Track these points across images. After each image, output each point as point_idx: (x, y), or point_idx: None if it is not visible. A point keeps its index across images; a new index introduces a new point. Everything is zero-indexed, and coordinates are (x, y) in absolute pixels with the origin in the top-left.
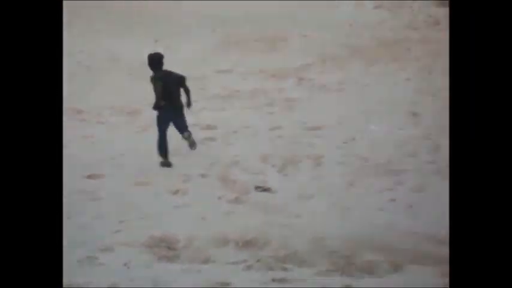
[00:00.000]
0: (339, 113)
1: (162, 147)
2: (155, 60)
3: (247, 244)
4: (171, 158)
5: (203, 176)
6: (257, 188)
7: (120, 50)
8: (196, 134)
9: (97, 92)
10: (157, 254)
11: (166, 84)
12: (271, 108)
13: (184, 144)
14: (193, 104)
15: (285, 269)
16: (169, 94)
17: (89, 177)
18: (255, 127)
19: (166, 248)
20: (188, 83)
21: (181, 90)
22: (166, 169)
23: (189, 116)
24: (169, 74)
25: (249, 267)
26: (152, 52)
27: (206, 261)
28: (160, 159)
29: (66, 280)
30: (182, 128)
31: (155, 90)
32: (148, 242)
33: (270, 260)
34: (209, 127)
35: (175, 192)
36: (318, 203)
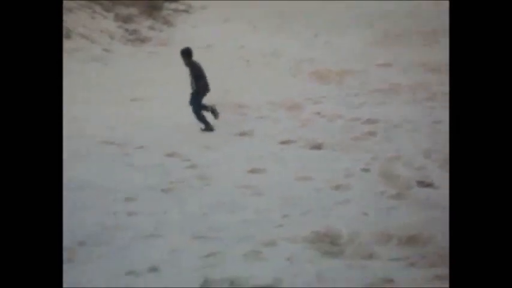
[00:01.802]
0: None
1: (203, 118)
2: (189, 53)
3: (410, 240)
4: (336, 152)
5: (365, 170)
6: (419, 183)
7: (279, 45)
8: (358, 128)
9: (257, 87)
10: (320, 249)
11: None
12: (432, 103)
13: (350, 139)
14: (354, 98)
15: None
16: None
17: (251, 171)
18: (416, 122)
19: (329, 244)
20: (348, 77)
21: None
22: (327, 163)
23: (351, 111)
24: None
25: (412, 264)
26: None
27: (369, 257)
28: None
29: (229, 274)
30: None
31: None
32: (311, 237)
33: (434, 256)
34: (370, 121)
35: (337, 187)
36: None
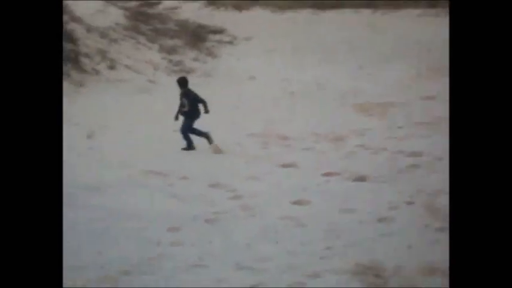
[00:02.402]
0: None
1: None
2: (184, 82)
3: None
4: (380, 184)
5: (409, 203)
6: None
7: (323, 77)
8: (402, 160)
9: (301, 119)
10: (364, 282)
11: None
12: None
13: (394, 172)
14: (398, 131)
15: None
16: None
17: (295, 203)
18: None
19: (373, 276)
20: (392, 109)
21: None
22: (371, 195)
23: (395, 143)
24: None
25: None
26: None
27: None
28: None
29: None
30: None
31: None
32: (355, 269)
33: None
34: (414, 154)
35: (381, 219)
36: None
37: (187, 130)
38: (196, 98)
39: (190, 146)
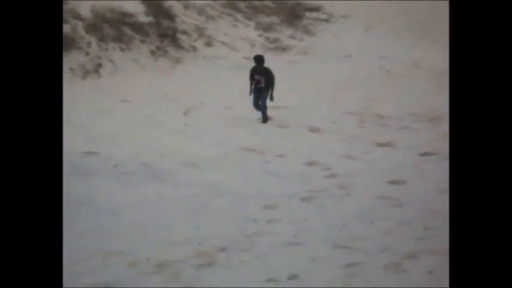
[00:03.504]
0: None
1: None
2: (262, 60)
3: None
4: None
5: None
6: None
7: (421, 56)
8: None
9: (398, 98)
10: None
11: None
12: None
13: None
14: None
15: None
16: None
17: (392, 182)
18: None
19: None
20: None
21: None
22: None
23: None
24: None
25: None
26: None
27: None
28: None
29: (369, 284)
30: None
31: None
32: None
33: None
34: None
35: None
36: None
37: (264, 104)
38: (270, 78)
39: (266, 119)
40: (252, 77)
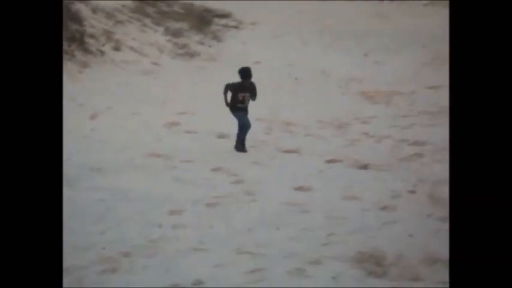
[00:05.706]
0: None
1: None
2: (249, 73)
3: None
4: (383, 173)
5: (411, 192)
6: None
7: (329, 64)
8: (405, 149)
9: (305, 105)
10: (365, 270)
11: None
12: None
13: (397, 160)
14: (402, 120)
15: None
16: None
17: (298, 189)
18: None
19: (374, 264)
20: (397, 98)
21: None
22: (373, 183)
23: (399, 132)
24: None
25: None
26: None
27: (414, 279)
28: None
29: None
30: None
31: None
32: (356, 256)
33: None
34: (417, 143)
35: (384, 208)
36: None
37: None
38: (255, 94)
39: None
40: (234, 96)
